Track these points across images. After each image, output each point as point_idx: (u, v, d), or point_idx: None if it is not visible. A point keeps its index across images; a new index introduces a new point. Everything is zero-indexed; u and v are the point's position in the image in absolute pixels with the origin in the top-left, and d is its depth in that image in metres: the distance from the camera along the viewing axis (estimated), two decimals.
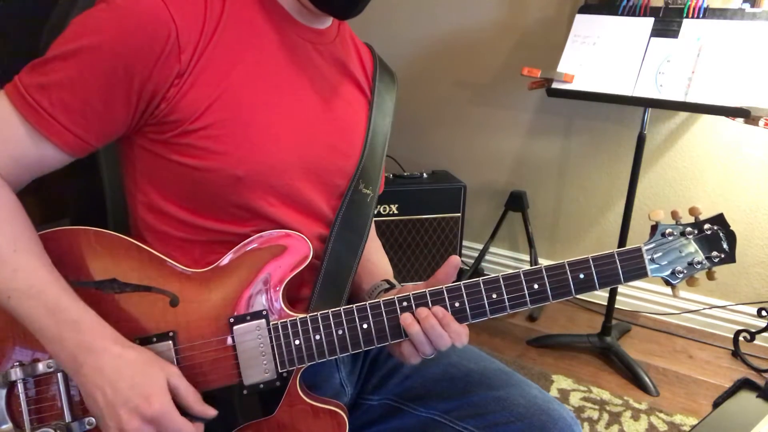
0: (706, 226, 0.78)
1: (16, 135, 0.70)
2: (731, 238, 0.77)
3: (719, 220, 0.78)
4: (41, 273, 0.69)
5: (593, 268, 0.77)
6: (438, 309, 0.77)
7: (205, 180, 0.76)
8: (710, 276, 0.79)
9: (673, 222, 0.78)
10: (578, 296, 2.34)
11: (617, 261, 0.76)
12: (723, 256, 0.78)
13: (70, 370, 0.69)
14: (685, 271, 0.78)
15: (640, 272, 0.77)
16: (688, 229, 0.78)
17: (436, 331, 0.75)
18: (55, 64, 0.70)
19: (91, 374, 0.68)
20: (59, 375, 0.74)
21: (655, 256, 0.77)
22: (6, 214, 0.70)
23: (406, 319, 0.76)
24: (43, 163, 0.73)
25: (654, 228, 0.78)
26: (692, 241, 0.78)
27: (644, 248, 0.77)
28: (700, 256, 0.78)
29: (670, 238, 0.78)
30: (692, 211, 0.78)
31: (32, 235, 0.72)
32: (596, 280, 0.76)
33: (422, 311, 0.76)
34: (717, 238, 0.78)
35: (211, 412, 0.73)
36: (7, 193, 0.71)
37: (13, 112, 0.70)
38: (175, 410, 0.69)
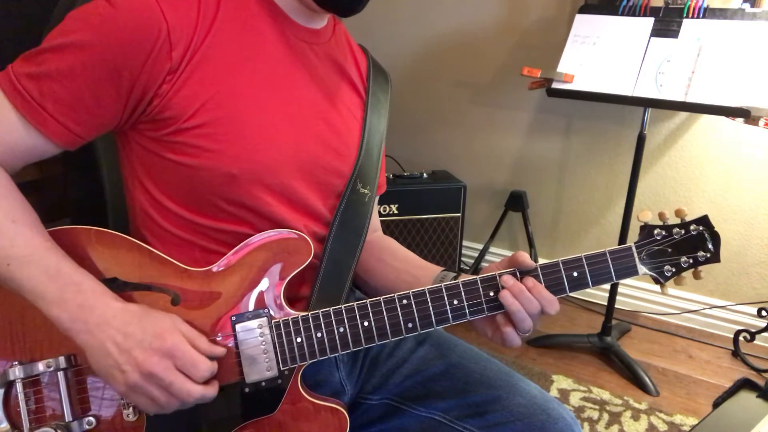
0: (692, 226, 0.80)
1: (7, 122, 0.71)
2: (716, 238, 0.80)
3: (704, 221, 0.80)
4: (39, 241, 0.71)
5: (586, 267, 0.78)
6: (528, 279, 0.78)
7: (200, 178, 0.76)
8: (696, 275, 0.81)
9: (661, 223, 0.81)
10: (579, 296, 2.35)
11: (609, 259, 0.78)
12: (708, 255, 0.80)
13: (74, 332, 0.69)
14: (674, 270, 0.80)
15: (630, 271, 0.79)
16: (675, 229, 0.80)
17: (526, 295, 0.77)
18: (47, 56, 0.71)
19: (98, 329, 0.69)
20: (59, 374, 0.74)
21: (644, 255, 0.80)
22: (1, 190, 0.71)
23: (506, 298, 0.77)
24: (34, 151, 0.74)
25: (643, 228, 0.81)
26: (679, 242, 0.80)
27: (634, 247, 0.79)
28: (686, 256, 0.80)
29: (658, 238, 0.80)
30: (678, 213, 0.81)
31: (28, 209, 0.73)
32: (589, 278, 0.79)
33: (508, 279, 0.77)
34: (702, 238, 0.80)
35: (219, 350, 0.74)
36: (1, 171, 0.72)
37: (4, 100, 0.71)
38: (188, 344, 0.71)
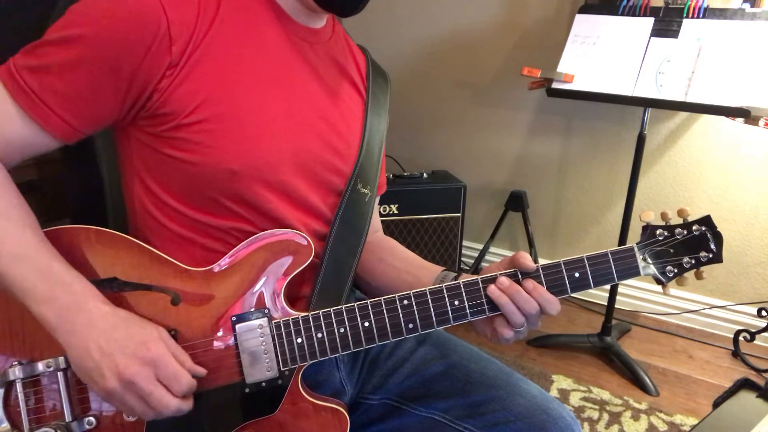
0: (695, 227, 0.80)
1: (7, 115, 0.71)
2: (718, 238, 0.79)
3: (706, 221, 0.80)
4: (32, 239, 0.71)
5: (588, 267, 0.78)
6: (528, 281, 0.77)
7: (200, 174, 0.76)
8: (698, 276, 0.81)
9: (663, 223, 0.80)
10: (579, 297, 2.35)
11: (611, 260, 0.78)
12: (711, 256, 0.79)
13: (59, 331, 0.69)
14: (676, 270, 0.80)
15: (632, 271, 0.79)
16: (678, 230, 0.80)
17: (522, 296, 0.76)
18: (47, 49, 0.71)
19: (83, 330, 0.68)
20: (59, 374, 0.74)
21: (646, 255, 0.79)
22: None
23: (493, 292, 0.77)
24: (33, 145, 0.74)
25: (645, 228, 0.80)
26: (681, 242, 0.80)
27: (636, 248, 0.79)
28: (688, 256, 0.79)
29: (661, 238, 0.80)
30: (681, 213, 0.80)
31: (23, 206, 0.73)
32: (591, 279, 0.78)
33: (504, 281, 0.77)
34: (705, 238, 0.79)
35: (200, 370, 0.74)
36: None
37: (4, 93, 0.71)
38: (171, 355, 0.70)
